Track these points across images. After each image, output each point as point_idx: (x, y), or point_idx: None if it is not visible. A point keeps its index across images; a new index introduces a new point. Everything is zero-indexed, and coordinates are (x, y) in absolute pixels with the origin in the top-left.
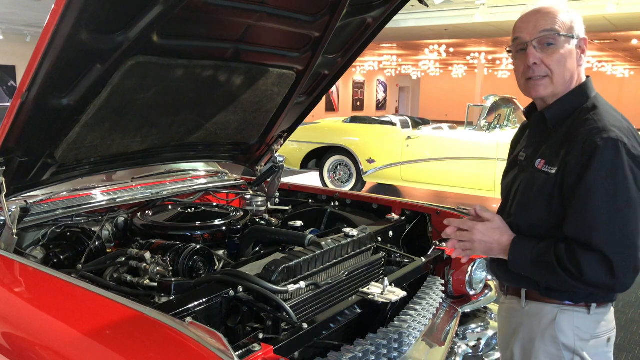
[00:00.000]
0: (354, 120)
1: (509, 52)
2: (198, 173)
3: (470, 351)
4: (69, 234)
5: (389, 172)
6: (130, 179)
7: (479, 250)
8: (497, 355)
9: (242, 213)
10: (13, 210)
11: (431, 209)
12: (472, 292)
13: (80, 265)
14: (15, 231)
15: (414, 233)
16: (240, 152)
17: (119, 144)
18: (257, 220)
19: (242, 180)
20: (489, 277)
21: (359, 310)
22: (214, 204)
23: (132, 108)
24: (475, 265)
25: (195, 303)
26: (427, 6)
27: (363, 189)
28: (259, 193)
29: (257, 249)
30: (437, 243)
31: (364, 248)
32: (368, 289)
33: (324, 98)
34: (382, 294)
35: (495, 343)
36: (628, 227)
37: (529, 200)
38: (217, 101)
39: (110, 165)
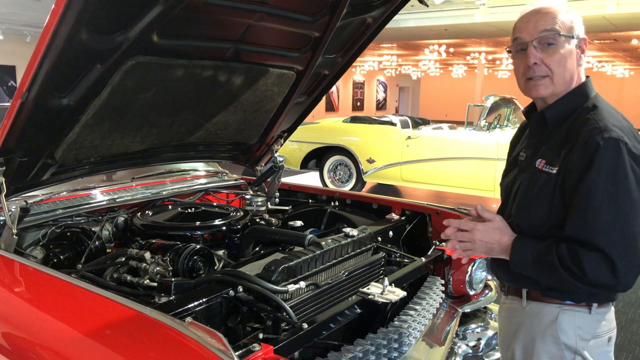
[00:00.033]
0: (354, 120)
1: (508, 52)
2: (198, 173)
3: (470, 351)
4: (68, 234)
5: (389, 172)
6: (130, 179)
7: (480, 251)
8: (497, 355)
9: (242, 213)
10: (13, 210)
11: (431, 209)
12: (472, 292)
13: (80, 265)
14: (15, 231)
15: (414, 233)
16: (240, 152)
17: (119, 144)
18: (257, 220)
19: (242, 180)
20: (489, 277)
21: (359, 310)
22: (214, 204)
23: (132, 108)
24: (475, 265)
25: (195, 303)
26: (427, 6)
27: (363, 189)
28: (259, 193)
29: (257, 249)
30: (437, 243)
31: (364, 248)
32: (368, 289)
33: (324, 98)
34: (382, 294)
35: (495, 343)
36: (629, 226)
37: (530, 200)
38: (217, 101)
39: (110, 165)
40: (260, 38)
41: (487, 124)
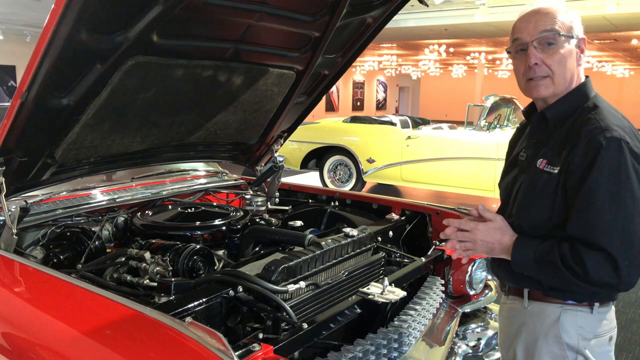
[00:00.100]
0: (354, 120)
1: (508, 53)
2: (198, 173)
3: (470, 351)
4: (68, 234)
5: (389, 172)
6: (130, 179)
7: (481, 251)
8: (497, 355)
9: (242, 213)
10: (13, 210)
11: (431, 209)
12: (472, 292)
13: (80, 265)
14: (15, 231)
15: (414, 233)
16: (240, 152)
17: (119, 144)
18: (257, 220)
19: (242, 180)
20: (489, 277)
21: (359, 310)
22: (214, 204)
23: (132, 108)
24: (475, 265)
25: (195, 303)
26: (427, 6)
27: (363, 189)
28: (259, 193)
29: (257, 249)
30: (437, 243)
31: (364, 248)
32: (368, 289)
33: (324, 98)
34: (382, 294)
35: (495, 343)
36: (632, 225)
37: (531, 200)
38: (217, 101)
39: (110, 165)
40: (260, 38)
41: (487, 123)
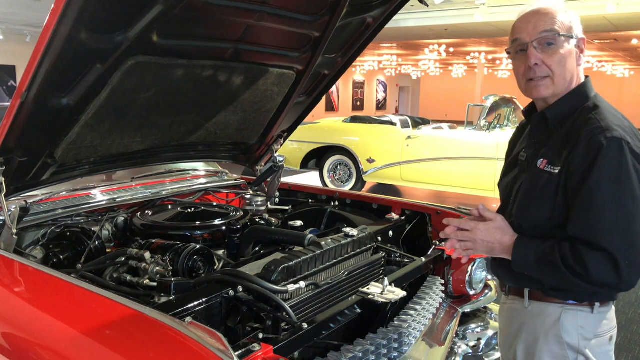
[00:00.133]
0: (354, 120)
1: (508, 53)
2: (198, 173)
3: (470, 351)
4: (68, 233)
5: (388, 172)
6: (130, 179)
7: (481, 250)
8: (497, 355)
9: (242, 213)
10: (13, 210)
11: (431, 209)
12: (472, 292)
13: (80, 265)
14: (15, 231)
15: (414, 233)
16: (240, 152)
17: (119, 144)
18: (257, 220)
19: (242, 180)
20: (489, 277)
21: (358, 310)
22: (214, 203)
23: (132, 108)
24: (475, 265)
25: (195, 303)
26: (427, 6)
27: (363, 189)
28: (259, 193)
29: (257, 249)
30: (437, 243)
31: (364, 248)
32: (368, 288)
33: (324, 98)
34: (382, 293)
35: (495, 343)
36: (632, 225)
37: (532, 200)
38: (217, 101)
39: (110, 165)
40: (260, 38)
41: (487, 123)
